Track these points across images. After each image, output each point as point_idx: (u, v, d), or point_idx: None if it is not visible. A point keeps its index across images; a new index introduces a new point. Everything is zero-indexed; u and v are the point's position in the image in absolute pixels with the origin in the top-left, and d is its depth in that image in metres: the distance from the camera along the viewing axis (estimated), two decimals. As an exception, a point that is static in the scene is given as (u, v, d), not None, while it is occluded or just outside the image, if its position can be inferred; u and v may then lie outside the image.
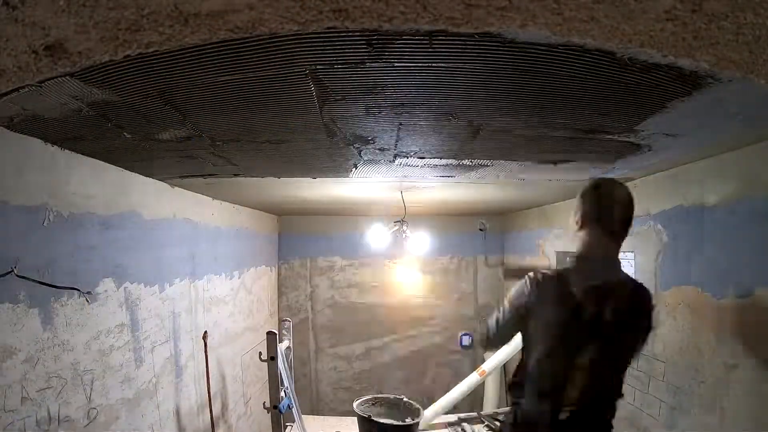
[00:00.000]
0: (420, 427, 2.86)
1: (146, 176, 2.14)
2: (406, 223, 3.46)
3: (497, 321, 1.44)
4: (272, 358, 2.63)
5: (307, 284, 4.90)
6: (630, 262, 2.49)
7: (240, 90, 1.10)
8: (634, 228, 2.39)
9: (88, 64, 0.82)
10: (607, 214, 1.32)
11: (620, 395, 1.37)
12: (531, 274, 1.38)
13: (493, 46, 0.86)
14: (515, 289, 1.40)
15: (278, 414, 2.64)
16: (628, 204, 1.32)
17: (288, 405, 2.60)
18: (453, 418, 3.31)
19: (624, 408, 2.45)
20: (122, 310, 1.95)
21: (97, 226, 1.78)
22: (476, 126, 1.39)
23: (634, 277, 1.41)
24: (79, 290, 1.65)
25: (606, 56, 0.86)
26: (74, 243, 1.65)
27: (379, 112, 1.26)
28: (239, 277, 3.60)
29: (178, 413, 2.43)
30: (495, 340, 1.51)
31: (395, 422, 2.87)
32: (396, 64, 0.95)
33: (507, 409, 3.43)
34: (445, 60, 0.93)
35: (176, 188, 2.47)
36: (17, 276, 1.36)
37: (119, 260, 1.93)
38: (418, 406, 3.00)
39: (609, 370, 1.34)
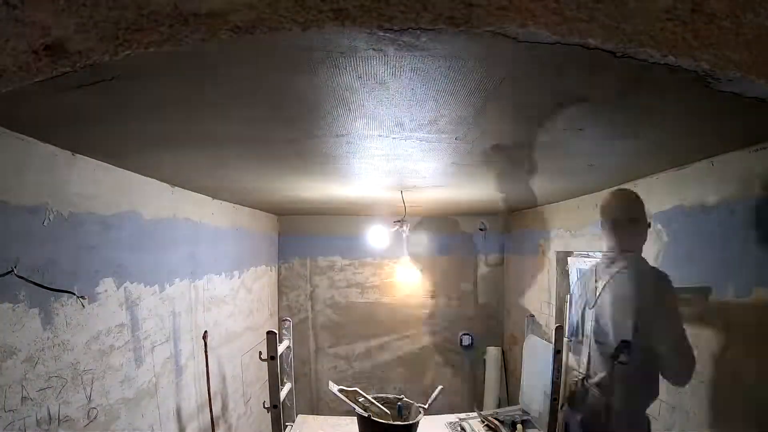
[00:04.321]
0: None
1: (146, 176, 2.14)
2: (406, 223, 3.46)
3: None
4: (272, 358, 2.63)
5: (307, 284, 4.90)
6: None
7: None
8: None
9: (88, 64, 0.82)
10: None
11: None
12: None
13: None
14: None
15: (278, 413, 2.64)
16: None
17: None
18: (453, 418, 3.31)
19: (624, 408, 2.46)
20: (122, 310, 1.95)
21: (97, 226, 1.78)
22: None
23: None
24: (74, 293, 1.63)
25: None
26: (74, 243, 1.65)
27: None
28: (239, 277, 3.60)
29: (178, 413, 2.43)
30: None
31: (395, 422, 2.87)
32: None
33: (507, 409, 3.44)
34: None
35: (176, 188, 2.47)
36: (17, 276, 1.36)
37: (119, 260, 1.93)
38: (418, 405, 3.00)
39: None
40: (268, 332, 2.67)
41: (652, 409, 2.17)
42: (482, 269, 4.95)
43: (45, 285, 1.47)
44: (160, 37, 0.75)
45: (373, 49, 0.88)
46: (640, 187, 2.34)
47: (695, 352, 1.69)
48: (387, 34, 0.81)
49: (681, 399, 1.99)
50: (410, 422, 2.82)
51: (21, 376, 1.36)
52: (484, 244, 4.90)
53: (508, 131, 1.50)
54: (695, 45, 0.78)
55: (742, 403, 1.65)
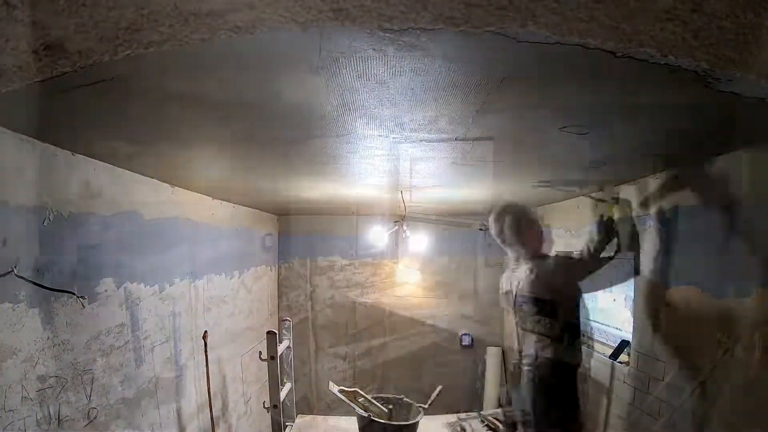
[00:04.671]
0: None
1: (146, 176, 2.14)
2: (406, 223, 3.46)
3: None
4: (272, 358, 2.63)
5: (307, 284, 4.90)
6: (630, 262, 2.48)
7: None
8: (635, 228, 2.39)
9: (88, 64, 0.82)
10: None
11: None
12: None
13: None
14: None
15: (278, 413, 2.64)
16: None
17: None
18: (453, 418, 3.31)
19: (623, 408, 2.46)
20: (122, 310, 1.95)
21: (97, 226, 1.78)
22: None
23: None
24: (74, 293, 1.63)
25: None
26: (74, 243, 1.65)
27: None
28: (239, 277, 3.60)
29: (178, 413, 2.43)
30: None
31: (395, 422, 2.87)
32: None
33: (507, 409, 3.43)
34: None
35: (176, 188, 2.47)
36: (17, 276, 1.36)
37: (119, 260, 1.93)
38: (418, 405, 3.00)
39: None
40: (268, 332, 2.67)
41: (653, 410, 2.18)
42: (482, 269, 4.94)
43: (45, 285, 1.47)
44: (160, 37, 0.76)
45: (373, 49, 0.88)
46: (639, 187, 2.34)
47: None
48: (387, 34, 0.81)
49: (681, 399, 1.99)
50: (410, 422, 2.82)
51: (21, 376, 1.36)
52: (484, 244, 4.90)
53: (508, 131, 1.50)
54: (695, 45, 0.78)
55: (742, 403, 1.65)
